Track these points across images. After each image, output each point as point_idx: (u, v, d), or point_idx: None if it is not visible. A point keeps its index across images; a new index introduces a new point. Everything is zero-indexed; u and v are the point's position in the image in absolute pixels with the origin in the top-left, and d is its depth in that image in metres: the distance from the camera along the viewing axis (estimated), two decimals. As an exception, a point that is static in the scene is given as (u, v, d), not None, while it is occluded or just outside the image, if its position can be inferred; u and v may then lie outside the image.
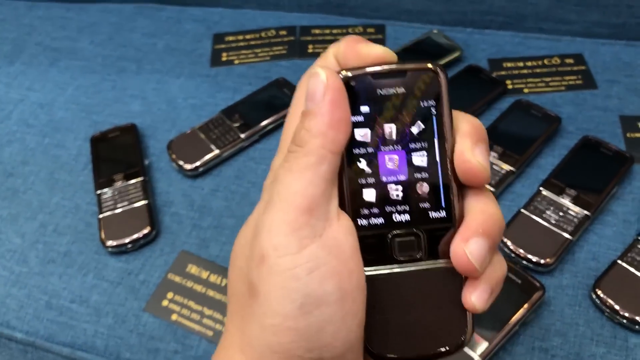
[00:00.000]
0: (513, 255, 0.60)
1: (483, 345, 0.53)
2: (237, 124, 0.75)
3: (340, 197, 0.30)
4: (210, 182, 0.72)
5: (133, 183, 0.70)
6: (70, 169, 0.76)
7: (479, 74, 0.77)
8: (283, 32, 0.89)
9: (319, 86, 0.29)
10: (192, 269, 0.64)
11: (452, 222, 0.30)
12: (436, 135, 0.30)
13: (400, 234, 0.30)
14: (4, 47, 0.94)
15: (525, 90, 0.77)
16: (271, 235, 0.29)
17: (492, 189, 0.65)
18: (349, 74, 0.30)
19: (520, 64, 0.80)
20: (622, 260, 0.58)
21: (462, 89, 0.76)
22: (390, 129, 0.30)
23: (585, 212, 0.61)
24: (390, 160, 0.30)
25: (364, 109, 0.30)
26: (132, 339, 0.61)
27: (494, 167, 0.66)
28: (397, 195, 0.30)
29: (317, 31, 0.88)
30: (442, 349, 0.31)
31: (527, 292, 0.56)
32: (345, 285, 0.28)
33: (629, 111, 0.73)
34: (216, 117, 0.76)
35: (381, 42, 0.86)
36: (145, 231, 0.66)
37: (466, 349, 0.53)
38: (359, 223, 0.30)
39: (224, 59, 0.86)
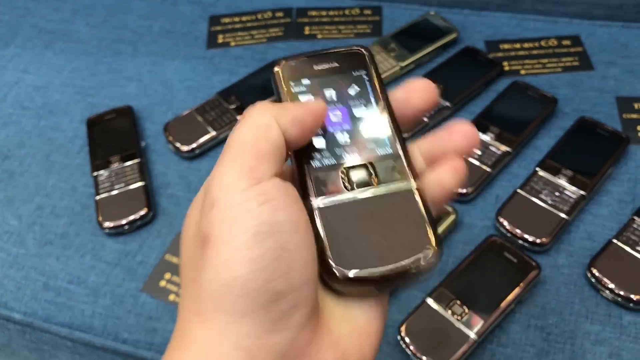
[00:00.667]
0: (509, 234, 0.60)
1: (479, 324, 0.54)
2: (233, 106, 0.75)
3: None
4: (207, 163, 0.72)
5: (129, 165, 0.70)
6: (67, 151, 0.75)
7: (476, 55, 0.77)
8: (279, 14, 0.88)
9: (309, 100, 0.33)
10: (190, 249, 0.64)
11: (397, 155, 0.33)
12: (371, 93, 0.34)
13: (352, 167, 0.32)
14: (-1, 29, 0.93)
15: (522, 72, 0.77)
16: (222, 179, 0.29)
17: (488, 169, 0.65)
18: (291, 60, 0.35)
19: (517, 46, 0.80)
20: (618, 240, 0.58)
21: (458, 70, 0.76)
22: (330, 93, 0.34)
23: (581, 192, 0.62)
24: (335, 115, 0.33)
25: (305, 81, 0.34)
26: (130, 319, 0.61)
27: (491, 147, 0.67)
28: (345, 142, 0.33)
29: (313, 13, 0.88)
30: (407, 266, 0.30)
31: (523, 271, 0.57)
32: (296, 218, 0.29)
33: (625, 92, 0.73)
34: (212, 99, 0.76)
35: (378, 23, 0.86)
36: (142, 212, 0.66)
37: (463, 327, 0.54)
38: (314, 165, 0.32)
39: (220, 41, 0.86)
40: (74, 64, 0.86)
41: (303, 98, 0.34)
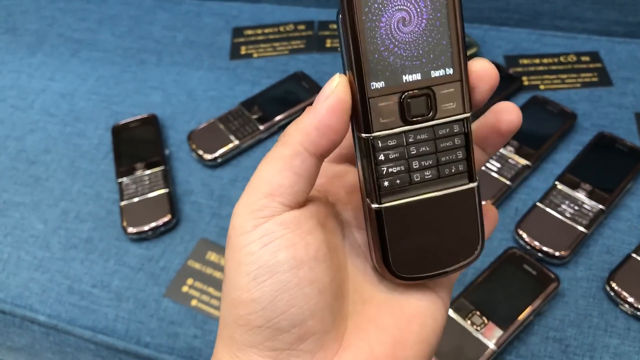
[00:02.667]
0: (529, 247, 0.61)
1: (498, 334, 0.54)
2: (256, 116, 0.76)
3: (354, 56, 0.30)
4: (229, 172, 0.73)
5: (154, 172, 0.72)
6: (92, 157, 0.77)
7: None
8: (301, 27, 0.90)
9: (327, 89, 0.30)
10: (212, 256, 0.65)
11: (459, 79, 0.31)
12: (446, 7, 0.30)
13: (412, 96, 0.31)
14: (27, 38, 0.95)
15: (541, 87, 0.78)
16: (233, 219, 0.30)
17: (508, 182, 0.66)
18: None
19: (537, 61, 0.81)
20: (637, 254, 0.59)
21: (478, 84, 0.77)
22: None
23: (600, 206, 0.62)
24: (401, 18, 0.30)
25: None
26: (152, 323, 0.62)
27: (510, 161, 0.67)
28: (408, 52, 0.30)
29: (335, 26, 0.89)
30: (460, 264, 0.32)
31: (542, 284, 0.57)
32: (301, 255, 0.29)
33: (644, 108, 0.74)
34: (235, 109, 0.77)
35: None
36: (166, 219, 0.67)
37: (482, 338, 0.54)
38: (372, 86, 0.30)
39: (242, 52, 0.87)
40: (99, 73, 0.88)
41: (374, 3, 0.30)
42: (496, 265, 0.59)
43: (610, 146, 0.68)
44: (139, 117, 0.79)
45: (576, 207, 0.63)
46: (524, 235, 0.61)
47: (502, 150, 0.68)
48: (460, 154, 0.31)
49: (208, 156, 0.73)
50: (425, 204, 0.32)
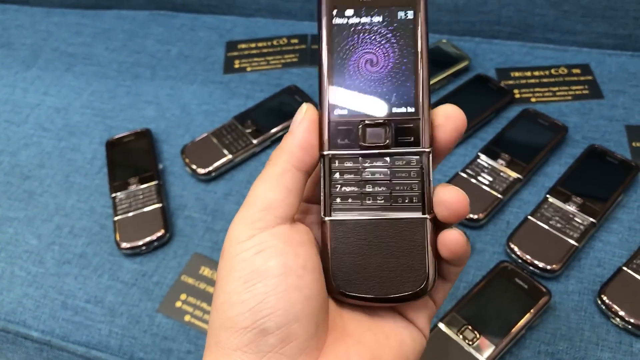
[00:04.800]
0: (520, 260, 0.61)
1: (490, 349, 0.55)
2: (249, 130, 0.76)
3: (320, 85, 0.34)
4: (223, 186, 0.73)
5: (147, 187, 0.72)
6: (86, 172, 0.77)
7: (487, 83, 0.79)
8: (294, 40, 0.91)
9: (299, 115, 0.34)
10: (205, 271, 0.66)
11: (418, 117, 0.33)
12: (412, 40, 0.33)
13: (370, 124, 0.33)
14: (21, 52, 0.96)
15: (533, 100, 0.78)
16: (230, 231, 0.33)
17: (499, 195, 0.66)
18: None
19: (528, 74, 0.81)
20: (627, 267, 0.59)
21: (470, 97, 0.77)
22: (370, 31, 0.34)
23: (591, 219, 0.63)
24: (368, 58, 0.33)
25: (349, 12, 0.34)
26: (146, 339, 0.62)
27: (502, 174, 0.68)
28: (370, 90, 0.33)
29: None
30: (403, 294, 0.33)
31: (533, 297, 0.58)
32: (290, 263, 0.31)
33: (635, 121, 0.74)
34: (229, 123, 0.77)
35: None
36: (159, 234, 0.68)
37: (474, 352, 0.54)
38: (335, 112, 0.34)
39: (236, 66, 0.88)
40: (93, 87, 0.88)
41: (340, 33, 0.33)
42: (488, 279, 0.60)
43: (601, 159, 0.69)
44: (132, 131, 0.79)
45: (567, 220, 0.63)
46: (516, 249, 0.62)
47: (493, 164, 0.68)
48: (415, 186, 0.33)
49: (201, 170, 0.73)
50: (372, 226, 0.33)
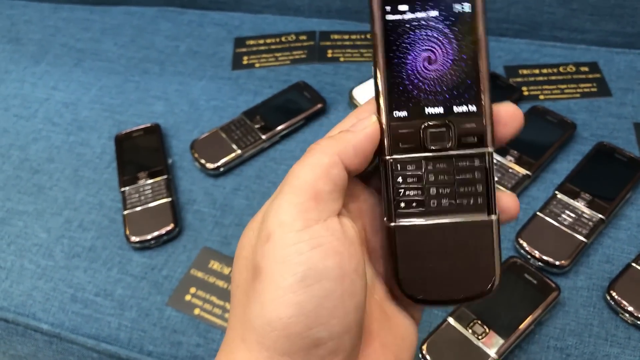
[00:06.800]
0: (529, 256, 0.61)
1: (499, 343, 0.55)
2: (258, 125, 0.77)
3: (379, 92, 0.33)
4: (231, 181, 0.74)
5: (157, 181, 0.72)
6: (95, 166, 0.77)
7: (496, 80, 0.79)
8: (303, 37, 0.91)
9: (366, 122, 0.32)
10: (214, 265, 0.66)
11: (482, 116, 0.32)
12: (470, 35, 0.32)
13: (432, 125, 0.32)
14: (30, 47, 0.96)
15: (541, 97, 0.78)
16: (279, 215, 0.30)
17: (509, 192, 0.66)
18: None
19: (536, 71, 0.82)
20: (636, 263, 0.59)
21: (478, 94, 0.77)
22: (426, 27, 0.32)
23: (600, 215, 0.63)
24: (424, 55, 0.32)
25: (402, 7, 0.32)
26: (155, 332, 0.62)
27: (511, 171, 0.68)
28: (429, 88, 0.32)
29: (336, 36, 0.90)
30: (471, 295, 0.33)
31: (542, 293, 0.58)
32: (346, 265, 0.29)
33: (643, 119, 0.74)
34: (238, 119, 0.78)
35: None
36: (169, 228, 0.68)
37: (483, 347, 0.55)
38: (394, 115, 0.32)
39: (245, 62, 0.88)
40: (102, 82, 0.89)
41: (395, 30, 0.32)
42: (497, 275, 0.60)
43: (609, 156, 0.69)
44: (142, 126, 0.79)
45: (576, 217, 0.63)
46: (525, 245, 0.62)
47: (502, 160, 0.69)
48: (479, 187, 0.32)
49: (210, 165, 0.73)
50: (439, 230, 0.32)
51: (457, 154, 0.32)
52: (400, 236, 0.32)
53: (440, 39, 0.32)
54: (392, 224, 0.32)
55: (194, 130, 0.80)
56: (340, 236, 0.30)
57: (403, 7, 0.32)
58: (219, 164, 0.73)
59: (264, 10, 0.98)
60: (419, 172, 0.32)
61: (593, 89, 0.79)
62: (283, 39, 0.91)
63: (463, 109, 0.32)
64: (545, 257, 0.61)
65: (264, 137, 0.75)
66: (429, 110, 0.32)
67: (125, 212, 0.70)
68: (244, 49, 0.90)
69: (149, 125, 0.79)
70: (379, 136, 0.32)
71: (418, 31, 0.32)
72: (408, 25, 0.32)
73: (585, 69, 0.81)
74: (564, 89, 0.79)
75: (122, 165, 0.75)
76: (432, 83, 0.32)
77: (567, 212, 0.64)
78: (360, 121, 0.32)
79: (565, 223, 0.63)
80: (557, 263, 0.60)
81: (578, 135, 0.73)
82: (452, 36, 0.32)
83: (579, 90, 0.79)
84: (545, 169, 0.70)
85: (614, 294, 0.58)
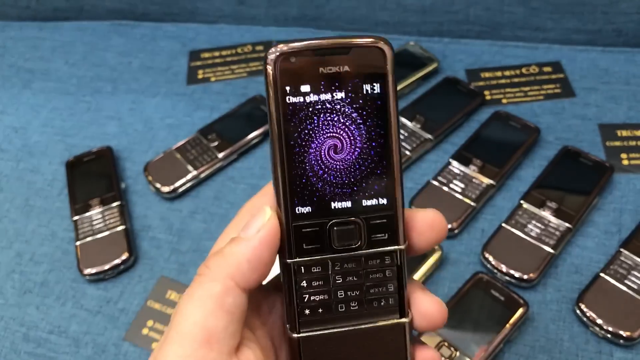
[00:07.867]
0: (496, 271, 0.59)
1: (468, 366, 0.53)
2: (214, 144, 0.74)
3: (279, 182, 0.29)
4: (188, 204, 0.71)
5: (110, 208, 0.69)
6: (46, 194, 0.74)
7: (457, 85, 0.77)
8: (259, 47, 0.88)
9: (259, 221, 0.29)
10: (172, 295, 0.63)
11: (393, 210, 0.29)
12: (381, 118, 0.29)
13: (340, 223, 0.29)
14: (-24, 70, 0.92)
15: (504, 101, 0.76)
16: None
17: (473, 203, 0.64)
18: (289, 53, 0.28)
19: (498, 74, 0.80)
20: (605, 273, 0.58)
21: (440, 101, 0.75)
22: (332, 111, 0.28)
23: (567, 224, 0.61)
24: (331, 143, 0.29)
25: (305, 88, 0.28)
26: (113, 369, 0.59)
27: (474, 181, 0.66)
28: (337, 182, 0.29)
29: (293, 45, 0.87)
30: None
31: (510, 309, 0.56)
32: None
33: (607, 119, 0.73)
34: (193, 137, 0.75)
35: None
36: (124, 257, 0.65)
37: (451, 371, 0.53)
38: (297, 211, 0.29)
39: (200, 76, 0.85)
40: (52, 104, 0.85)
41: (296, 115, 0.28)
42: (463, 292, 0.58)
43: (575, 161, 0.67)
44: (93, 150, 0.76)
45: (543, 227, 0.61)
46: (490, 259, 0.60)
47: (465, 170, 0.67)
48: (391, 287, 0.30)
49: (165, 189, 0.70)
50: (348, 337, 0.30)
51: (366, 253, 0.29)
52: (306, 348, 0.29)
53: (348, 124, 0.28)
54: (296, 335, 0.29)
55: (149, 150, 0.77)
56: None
57: (305, 88, 0.28)
58: (174, 186, 0.71)
59: (219, 20, 0.95)
60: (325, 274, 0.29)
61: (557, 90, 0.77)
62: (239, 50, 0.88)
63: (373, 202, 0.29)
64: (512, 271, 0.59)
65: (220, 155, 0.73)
66: (336, 204, 0.29)
67: (78, 243, 0.67)
68: (199, 62, 0.87)
69: (100, 148, 0.76)
70: (278, 237, 0.29)
71: (322, 115, 0.28)
72: (311, 109, 0.28)
73: (549, 69, 0.80)
74: (527, 92, 0.77)
75: (73, 193, 0.72)
76: (338, 174, 0.29)
77: (534, 222, 0.62)
78: (252, 219, 0.29)
79: (532, 234, 0.61)
80: (525, 277, 0.58)
81: (542, 139, 0.71)
82: (360, 121, 0.28)
83: (542, 92, 0.77)
84: (510, 176, 0.68)
85: (583, 306, 0.56)
